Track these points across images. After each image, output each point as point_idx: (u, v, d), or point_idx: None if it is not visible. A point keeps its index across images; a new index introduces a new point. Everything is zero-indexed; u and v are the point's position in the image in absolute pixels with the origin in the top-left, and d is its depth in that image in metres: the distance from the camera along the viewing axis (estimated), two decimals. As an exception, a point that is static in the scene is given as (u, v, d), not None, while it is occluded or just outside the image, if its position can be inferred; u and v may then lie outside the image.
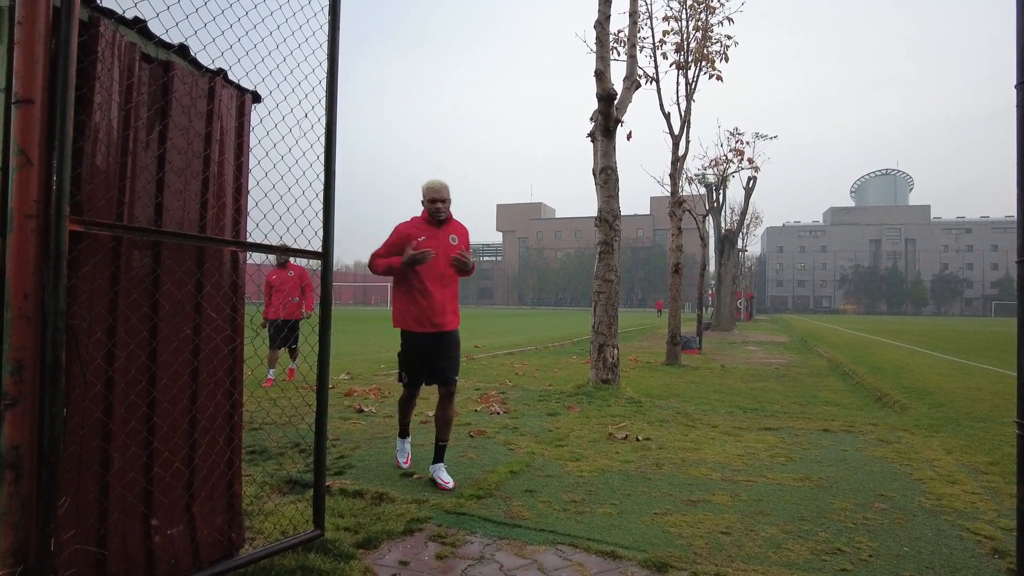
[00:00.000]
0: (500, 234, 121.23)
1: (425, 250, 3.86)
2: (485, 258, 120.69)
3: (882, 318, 70.48)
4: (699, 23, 12.78)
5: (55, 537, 1.81)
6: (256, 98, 2.70)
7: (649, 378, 10.17)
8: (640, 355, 14.43)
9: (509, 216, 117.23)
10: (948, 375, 10.91)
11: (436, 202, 3.97)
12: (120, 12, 2.08)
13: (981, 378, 10.44)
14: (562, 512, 3.50)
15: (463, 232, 4.16)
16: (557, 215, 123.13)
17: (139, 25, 2.18)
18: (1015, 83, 2.17)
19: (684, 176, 14.98)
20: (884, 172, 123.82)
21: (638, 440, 5.28)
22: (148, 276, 2.21)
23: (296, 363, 8.30)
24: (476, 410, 6.66)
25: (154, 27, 2.19)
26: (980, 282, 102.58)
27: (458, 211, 4.10)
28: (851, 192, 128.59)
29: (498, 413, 6.52)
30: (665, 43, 12.75)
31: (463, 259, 3.97)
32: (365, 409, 6.49)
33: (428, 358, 4.02)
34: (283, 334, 7.94)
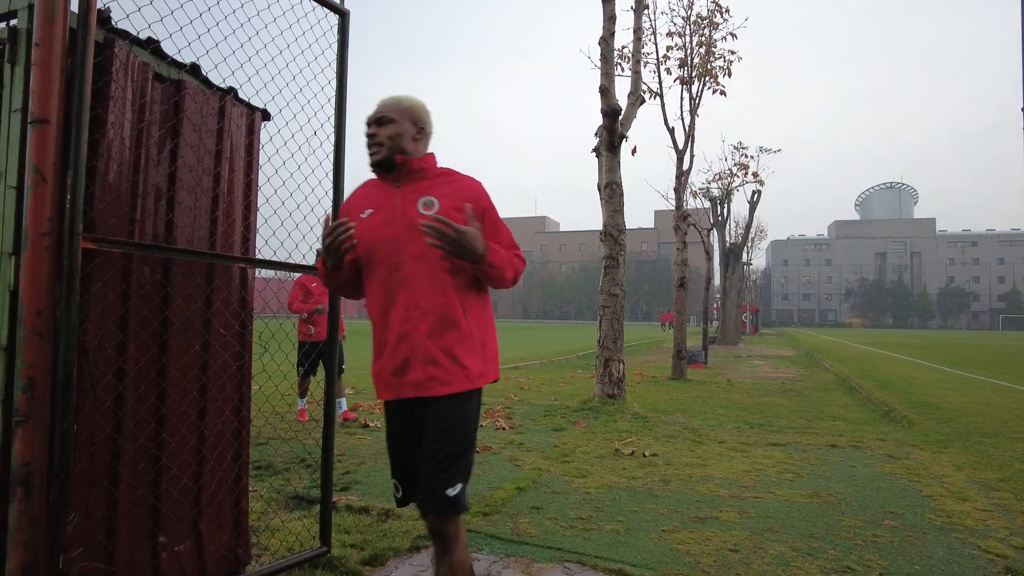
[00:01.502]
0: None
1: (340, 223, 1.93)
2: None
3: (888, 331, 70.09)
4: (702, 39, 12.90)
5: (64, 554, 1.81)
6: (266, 116, 2.73)
7: (655, 393, 10.13)
8: (646, 369, 14.37)
9: (513, 230, 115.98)
10: (956, 389, 10.83)
11: (366, 136, 2.06)
12: (135, 33, 2.12)
13: (990, 393, 10.36)
14: (569, 529, 3.47)
15: (460, 191, 2.04)
16: (561, 228, 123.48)
17: (152, 45, 2.22)
18: (1021, 106, 2.18)
19: (689, 190, 15.04)
20: (889, 185, 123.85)
21: (645, 456, 5.25)
22: (158, 293, 2.23)
23: (305, 401, 6.93)
24: (482, 425, 6.64)
25: (167, 47, 2.23)
26: (987, 295, 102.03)
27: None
28: (856, 205, 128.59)
29: (503, 428, 6.50)
30: (669, 59, 12.87)
31: (433, 226, 1.84)
32: (370, 424, 6.48)
33: (405, 451, 2.04)
34: (312, 356, 6.68)
